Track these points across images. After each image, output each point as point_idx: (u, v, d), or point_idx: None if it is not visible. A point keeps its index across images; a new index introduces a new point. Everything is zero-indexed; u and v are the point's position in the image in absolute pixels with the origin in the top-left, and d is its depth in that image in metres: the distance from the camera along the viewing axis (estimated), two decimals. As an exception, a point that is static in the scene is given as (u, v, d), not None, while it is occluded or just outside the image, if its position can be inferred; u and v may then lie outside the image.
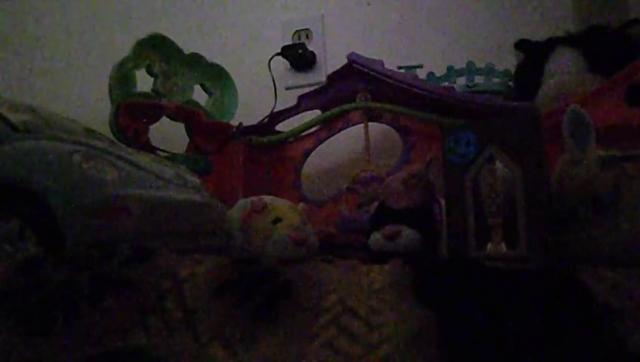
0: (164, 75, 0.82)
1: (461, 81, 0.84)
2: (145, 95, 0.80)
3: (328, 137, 0.86)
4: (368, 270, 0.34)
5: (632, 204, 0.41)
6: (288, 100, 0.88)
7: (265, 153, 0.88)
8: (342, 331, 0.28)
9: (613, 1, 0.83)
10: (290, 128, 0.86)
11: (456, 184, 0.46)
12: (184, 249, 0.44)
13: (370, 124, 0.82)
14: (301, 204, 0.65)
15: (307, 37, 1.06)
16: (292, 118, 0.87)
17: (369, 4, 1.04)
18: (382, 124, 0.84)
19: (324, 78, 0.87)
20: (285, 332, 0.28)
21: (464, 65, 0.84)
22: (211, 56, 0.92)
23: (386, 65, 0.78)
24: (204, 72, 0.91)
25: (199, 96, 0.90)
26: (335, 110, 0.82)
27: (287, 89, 1.04)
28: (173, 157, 0.78)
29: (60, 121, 0.53)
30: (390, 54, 0.88)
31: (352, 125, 0.84)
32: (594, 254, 0.42)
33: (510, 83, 0.80)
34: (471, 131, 0.46)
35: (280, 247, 0.55)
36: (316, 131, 0.86)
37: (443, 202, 0.50)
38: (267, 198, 0.62)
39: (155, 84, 0.82)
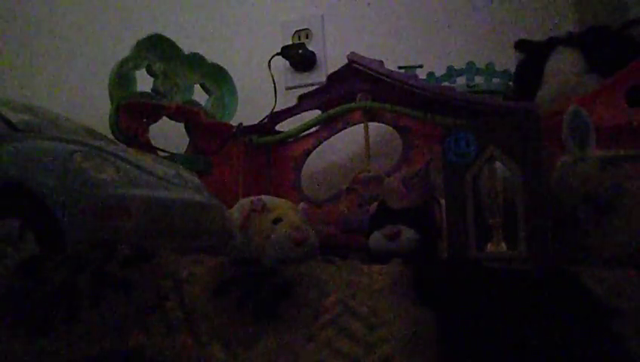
0: (164, 75, 0.82)
1: (461, 81, 0.84)
2: (145, 95, 0.80)
3: (328, 137, 0.86)
4: (368, 270, 0.34)
5: (632, 204, 0.41)
6: (288, 100, 0.88)
7: (265, 153, 0.88)
8: (342, 331, 0.28)
9: (613, 1, 0.83)
10: (290, 128, 0.86)
11: (456, 184, 0.46)
12: (184, 249, 0.44)
13: (370, 124, 0.82)
14: (301, 204, 0.66)
15: (307, 37, 1.06)
16: (292, 118, 0.87)
17: (369, 4, 1.04)
18: (382, 124, 0.84)
19: (324, 78, 0.87)
20: (285, 332, 0.28)
21: (464, 66, 0.84)
22: (211, 56, 0.92)
23: (386, 65, 0.78)
24: (204, 72, 0.90)
25: (199, 96, 0.90)
26: (335, 110, 0.82)
27: (287, 89, 1.04)
28: (173, 157, 0.78)
29: (60, 121, 0.53)
30: (390, 54, 0.88)
31: (352, 125, 0.84)
32: (594, 254, 0.42)
33: (510, 83, 0.80)
34: (471, 131, 0.46)
35: (280, 247, 0.55)
36: (316, 131, 0.86)
37: (443, 202, 0.50)
38: (267, 198, 0.62)
39: (155, 84, 0.82)
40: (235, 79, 0.95)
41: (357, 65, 0.78)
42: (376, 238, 0.52)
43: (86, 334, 0.29)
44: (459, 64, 0.85)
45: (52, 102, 1.11)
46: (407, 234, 0.50)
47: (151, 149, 0.78)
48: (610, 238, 0.41)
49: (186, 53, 0.87)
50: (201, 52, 0.90)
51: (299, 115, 0.87)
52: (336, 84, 0.82)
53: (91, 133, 0.57)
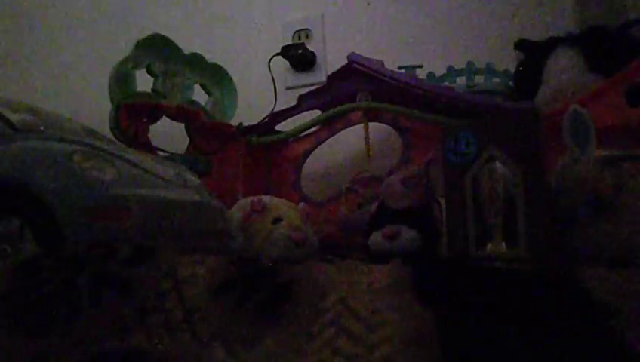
0: (164, 75, 0.82)
1: (461, 81, 0.84)
2: (145, 95, 0.80)
3: (328, 137, 0.86)
4: (368, 270, 0.34)
5: (632, 203, 0.41)
6: (288, 100, 0.88)
7: (265, 153, 0.88)
8: (342, 331, 0.28)
9: (613, 1, 0.83)
10: (290, 128, 0.86)
11: (456, 184, 0.46)
12: (184, 249, 0.44)
13: (370, 124, 0.82)
14: (301, 204, 0.66)
15: (307, 37, 1.06)
16: (292, 118, 0.87)
17: (369, 4, 1.04)
18: (382, 124, 0.84)
19: (324, 78, 0.87)
20: (285, 332, 0.28)
21: (464, 66, 0.84)
22: (211, 56, 0.92)
23: (386, 65, 0.78)
24: (204, 72, 0.90)
25: (199, 96, 0.90)
26: (335, 110, 0.82)
27: (287, 89, 1.04)
28: (173, 157, 0.78)
29: (60, 121, 0.53)
30: (390, 54, 0.88)
31: (352, 125, 0.84)
32: (594, 254, 0.42)
33: (510, 83, 0.80)
34: (471, 131, 0.46)
35: (280, 247, 0.55)
36: (316, 131, 0.86)
37: (443, 202, 0.50)
38: (267, 198, 0.62)
39: (155, 84, 0.82)
40: (235, 79, 0.95)
41: (357, 65, 0.78)
42: (376, 238, 0.52)
43: (86, 334, 0.29)
44: (459, 64, 0.85)
45: (52, 102, 1.11)
46: (407, 234, 0.50)
47: (151, 149, 0.78)
48: (610, 238, 0.41)
49: (186, 53, 0.87)
50: (201, 52, 0.90)
51: (299, 115, 0.87)
52: (336, 84, 0.82)
53: (91, 133, 0.57)
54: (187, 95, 0.87)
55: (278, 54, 0.97)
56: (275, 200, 0.63)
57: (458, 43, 0.97)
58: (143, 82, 0.81)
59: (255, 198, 0.61)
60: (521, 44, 0.77)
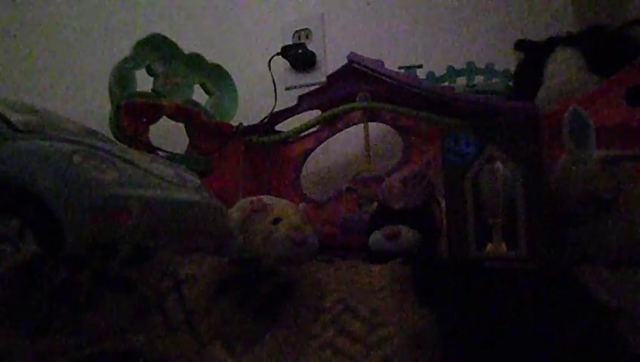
0: (164, 75, 0.82)
1: (461, 81, 0.84)
2: (145, 95, 0.80)
3: (328, 137, 0.86)
4: (368, 270, 0.34)
5: (632, 203, 0.41)
6: (288, 100, 0.88)
7: (265, 153, 0.88)
8: (342, 331, 0.28)
9: (613, 1, 0.83)
10: (290, 128, 0.86)
11: (456, 184, 0.46)
12: (184, 249, 0.44)
13: (370, 124, 0.82)
14: (301, 204, 0.66)
15: (307, 37, 1.06)
16: (292, 118, 0.87)
17: (369, 4, 1.04)
18: (382, 124, 0.84)
19: (324, 78, 0.87)
20: (285, 332, 0.28)
21: (464, 66, 0.84)
22: (211, 56, 0.92)
23: (386, 65, 0.78)
24: (204, 72, 0.90)
25: (199, 96, 0.90)
26: (335, 110, 0.82)
27: (287, 89, 1.04)
28: (173, 157, 0.78)
29: (60, 121, 0.53)
30: (390, 54, 0.88)
31: (352, 125, 0.84)
32: (594, 254, 0.42)
33: (510, 83, 0.80)
34: (471, 131, 0.46)
35: (280, 247, 0.55)
36: (316, 131, 0.86)
37: (443, 202, 0.50)
38: (267, 198, 0.62)
39: (155, 84, 0.82)
40: (235, 79, 0.95)
41: (357, 65, 0.78)
42: (376, 238, 0.52)
43: (86, 334, 0.29)
44: (459, 64, 0.85)
45: (52, 102, 1.11)
46: (407, 234, 0.50)
47: (151, 149, 0.78)
48: (610, 238, 0.41)
49: (186, 53, 0.87)
50: (201, 52, 0.90)
51: (299, 115, 0.87)
52: (336, 84, 0.82)
53: (91, 133, 0.57)
54: (187, 95, 0.87)
55: (278, 54, 0.97)
56: (275, 200, 0.63)
57: (458, 43, 0.97)
58: (143, 82, 0.81)
59: (255, 198, 0.61)
60: (521, 44, 0.77)
